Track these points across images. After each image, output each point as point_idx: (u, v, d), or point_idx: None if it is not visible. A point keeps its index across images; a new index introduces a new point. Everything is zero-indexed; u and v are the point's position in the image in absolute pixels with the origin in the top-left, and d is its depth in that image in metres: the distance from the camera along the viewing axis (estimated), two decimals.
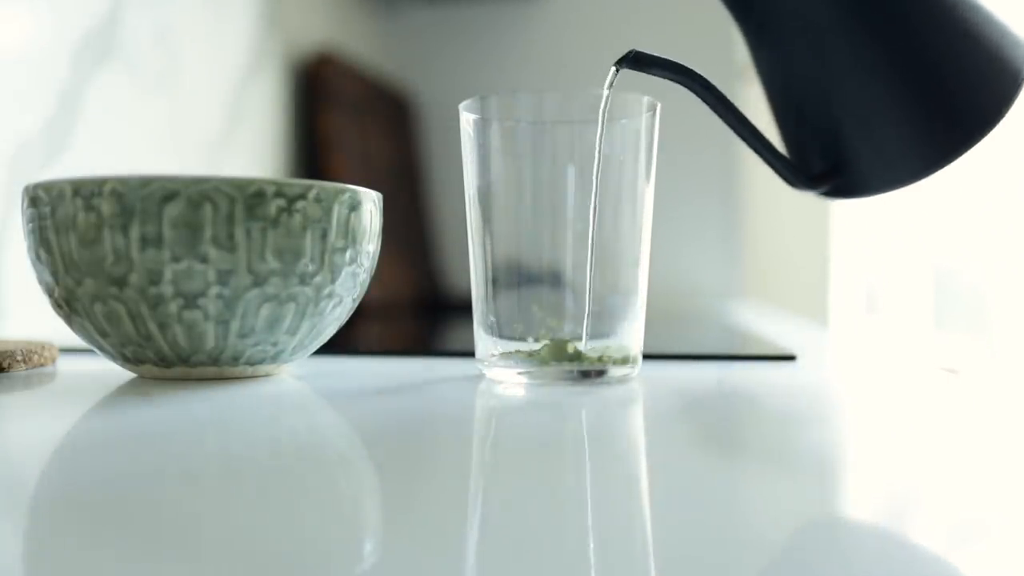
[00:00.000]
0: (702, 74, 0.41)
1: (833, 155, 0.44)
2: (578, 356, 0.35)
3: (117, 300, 0.34)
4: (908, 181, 0.42)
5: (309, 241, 0.35)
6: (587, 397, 0.32)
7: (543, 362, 0.35)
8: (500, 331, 0.36)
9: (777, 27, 0.44)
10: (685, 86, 0.39)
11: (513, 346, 0.36)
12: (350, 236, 0.36)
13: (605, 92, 0.36)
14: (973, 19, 0.41)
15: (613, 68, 0.38)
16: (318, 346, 0.39)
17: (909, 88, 0.41)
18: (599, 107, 0.36)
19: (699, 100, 1.34)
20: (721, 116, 0.41)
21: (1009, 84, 0.41)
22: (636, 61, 0.37)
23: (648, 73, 0.38)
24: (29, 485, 0.20)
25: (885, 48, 0.41)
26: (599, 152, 0.35)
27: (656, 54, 0.41)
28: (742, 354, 0.45)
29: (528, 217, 0.35)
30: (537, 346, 0.35)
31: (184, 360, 0.35)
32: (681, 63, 0.39)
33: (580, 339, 0.35)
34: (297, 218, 0.34)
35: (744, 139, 0.42)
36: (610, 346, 0.36)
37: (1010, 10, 0.43)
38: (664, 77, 0.38)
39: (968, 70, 0.41)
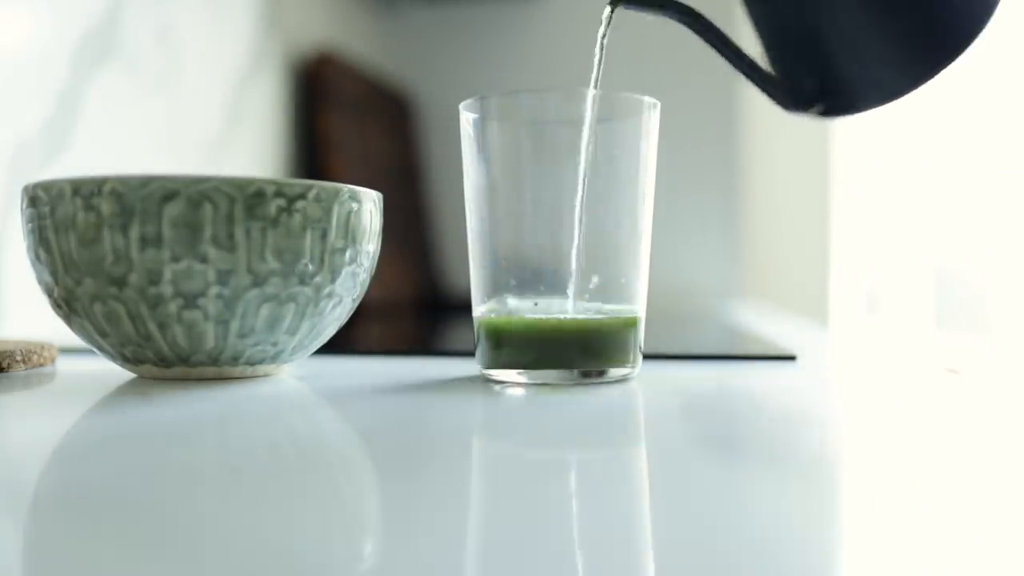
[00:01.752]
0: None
1: (821, 76, 0.44)
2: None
3: (117, 300, 0.34)
4: (895, 95, 0.43)
5: (309, 241, 0.35)
6: (587, 397, 0.32)
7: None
8: None
9: None
10: (681, 22, 0.40)
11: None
12: (350, 236, 0.36)
13: (601, 33, 0.37)
14: None
15: (608, 8, 0.38)
16: (318, 346, 0.39)
17: (892, 4, 0.42)
18: (600, 107, 0.36)
19: (699, 100, 1.34)
20: (718, 49, 0.42)
21: None
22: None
23: (643, 11, 0.39)
24: (29, 485, 0.19)
25: None
26: (588, 141, 0.35)
27: None
28: (742, 354, 0.45)
29: (528, 217, 0.35)
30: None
31: (184, 360, 0.35)
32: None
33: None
34: (297, 218, 0.34)
35: (741, 70, 0.43)
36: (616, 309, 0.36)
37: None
38: (659, 14, 0.39)
39: None
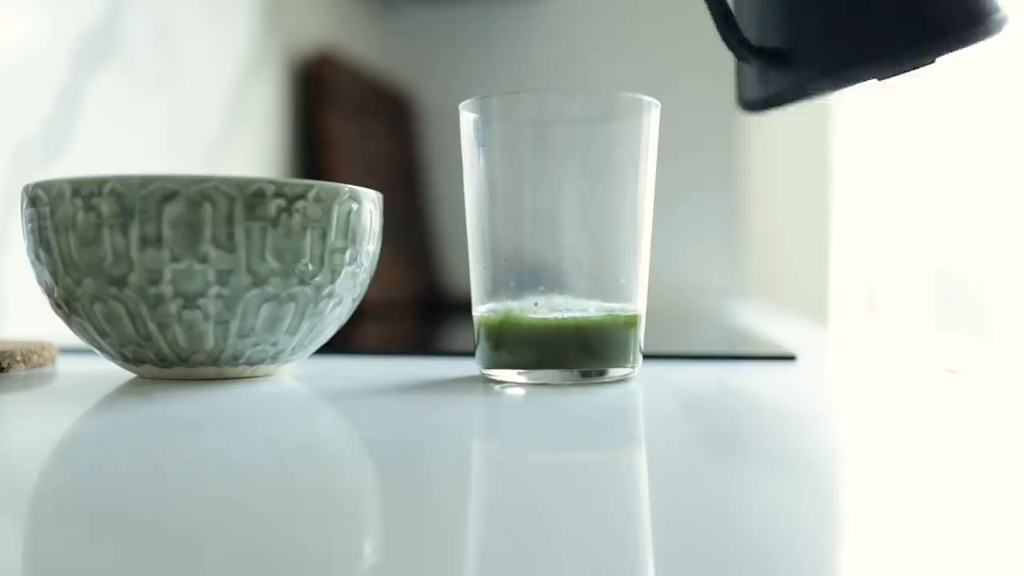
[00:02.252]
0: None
1: (787, 35, 0.41)
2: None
3: (117, 300, 0.34)
4: (869, 73, 0.39)
5: (309, 241, 0.35)
6: (587, 397, 0.32)
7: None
8: None
9: None
10: None
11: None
12: (350, 236, 0.36)
13: None
14: None
15: None
16: (318, 346, 0.39)
17: None
18: (600, 107, 0.36)
19: (700, 100, 1.34)
20: None
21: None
22: None
23: None
24: (29, 485, 0.19)
25: None
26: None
27: None
28: (742, 354, 0.45)
29: (528, 217, 0.35)
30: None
31: (184, 360, 0.35)
32: None
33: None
34: (297, 218, 0.34)
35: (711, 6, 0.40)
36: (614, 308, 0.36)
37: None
38: None
39: None
